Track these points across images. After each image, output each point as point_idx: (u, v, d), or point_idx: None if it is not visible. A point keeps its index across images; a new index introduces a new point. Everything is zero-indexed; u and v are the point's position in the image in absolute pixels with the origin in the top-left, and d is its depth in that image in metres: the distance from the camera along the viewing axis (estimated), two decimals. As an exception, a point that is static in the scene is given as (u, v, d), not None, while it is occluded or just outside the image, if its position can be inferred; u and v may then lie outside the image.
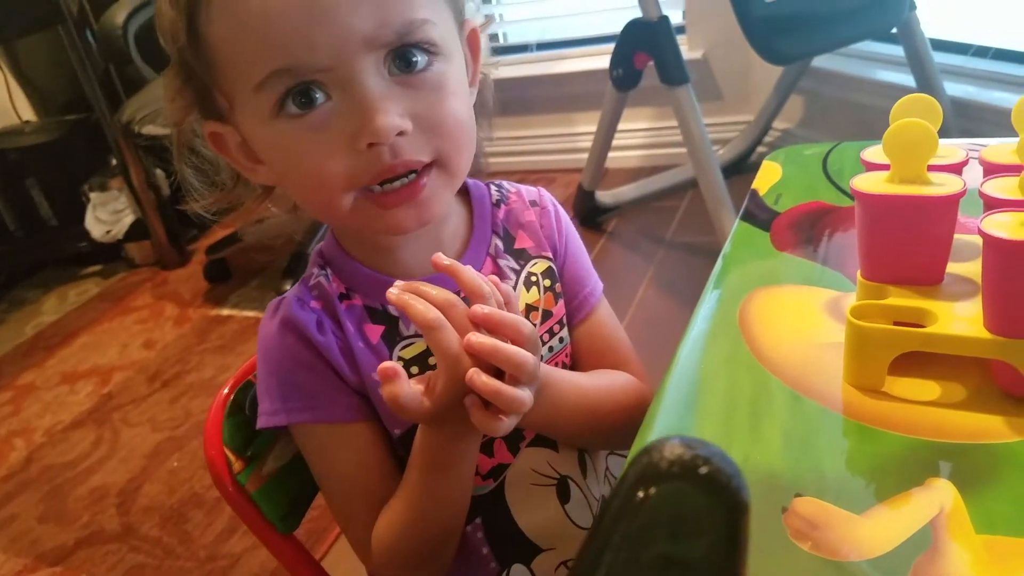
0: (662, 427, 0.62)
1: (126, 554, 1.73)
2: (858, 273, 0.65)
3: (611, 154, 2.64)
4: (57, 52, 2.76)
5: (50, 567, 1.74)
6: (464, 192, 0.80)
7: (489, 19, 0.86)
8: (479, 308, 0.59)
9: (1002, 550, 0.47)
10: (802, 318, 0.71)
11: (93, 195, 2.93)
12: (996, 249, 0.55)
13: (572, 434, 0.78)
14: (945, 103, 2.15)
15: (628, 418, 0.76)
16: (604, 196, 2.68)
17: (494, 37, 3.25)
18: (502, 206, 0.81)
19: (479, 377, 0.57)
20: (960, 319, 0.59)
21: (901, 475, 0.53)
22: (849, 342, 0.61)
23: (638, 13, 2.23)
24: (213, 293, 2.73)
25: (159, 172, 2.86)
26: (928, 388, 0.60)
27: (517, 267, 0.78)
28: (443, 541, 0.73)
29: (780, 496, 0.53)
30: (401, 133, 0.62)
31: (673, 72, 2.16)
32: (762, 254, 0.82)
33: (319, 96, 0.62)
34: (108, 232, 2.93)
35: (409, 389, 0.59)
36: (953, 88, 2.17)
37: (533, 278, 0.78)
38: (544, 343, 0.78)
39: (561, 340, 0.80)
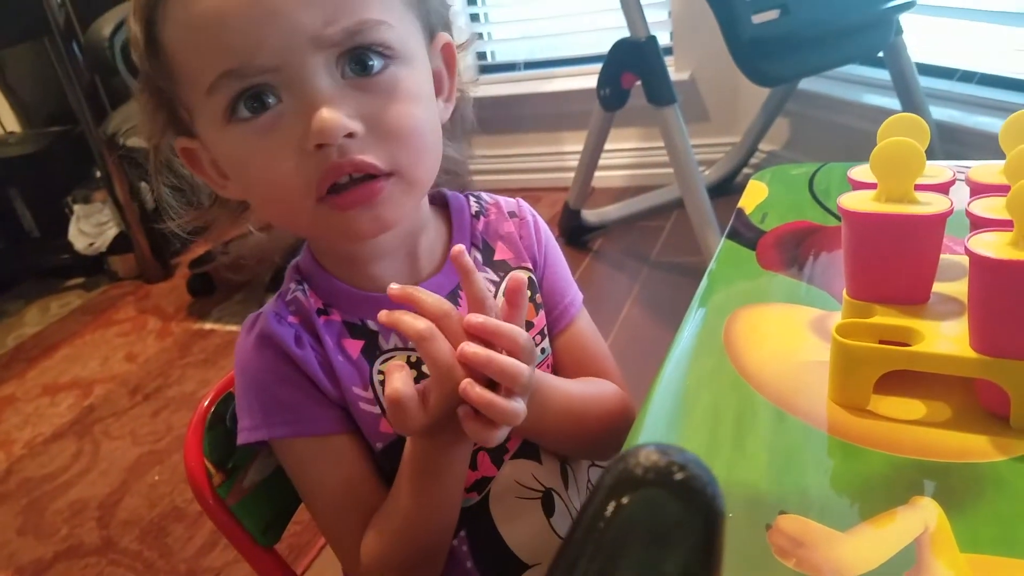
0: (646, 442, 0.61)
1: (105, 567, 1.71)
2: (844, 291, 0.65)
3: (597, 173, 2.65)
4: (43, 63, 2.76)
5: (28, 581, 1.72)
6: (443, 204, 0.80)
7: (472, 37, 0.85)
8: (474, 317, 0.58)
9: (986, 569, 0.47)
10: (787, 336, 0.70)
11: (77, 207, 2.91)
12: (982, 268, 0.55)
13: (557, 439, 0.78)
14: (931, 127, 2.16)
15: (612, 426, 0.75)
16: (590, 215, 2.68)
17: (482, 55, 3.26)
18: (481, 218, 0.80)
19: (473, 389, 0.56)
20: (946, 338, 0.59)
21: (885, 494, 0.53)
22: (834, 360, 0.61)
23: (626, 33, 2.24)
24: (196, 307, 2.72)
25: (143, 185, 2.85)
26: (913, 407, 0.60)
27: (497, 279, 0.78)
28: (433, 550, 0.72)
29: (764, 513, 0.53)
30: (351, 135, 0.61)
31: (660, 92, 2.17)
32: (748, 272, 0.82)
33: (271, 99, 0.61)
34: (91, 244, 2.92)
35: (411, 388, 0.58)
36: (939, 112, 2.19)
37: None
38: None
39: (543, 351, 0.80)
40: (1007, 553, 0.48)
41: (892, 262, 0.62)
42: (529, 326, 0.79)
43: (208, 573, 1.65)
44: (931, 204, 0.61)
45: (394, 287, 0.58)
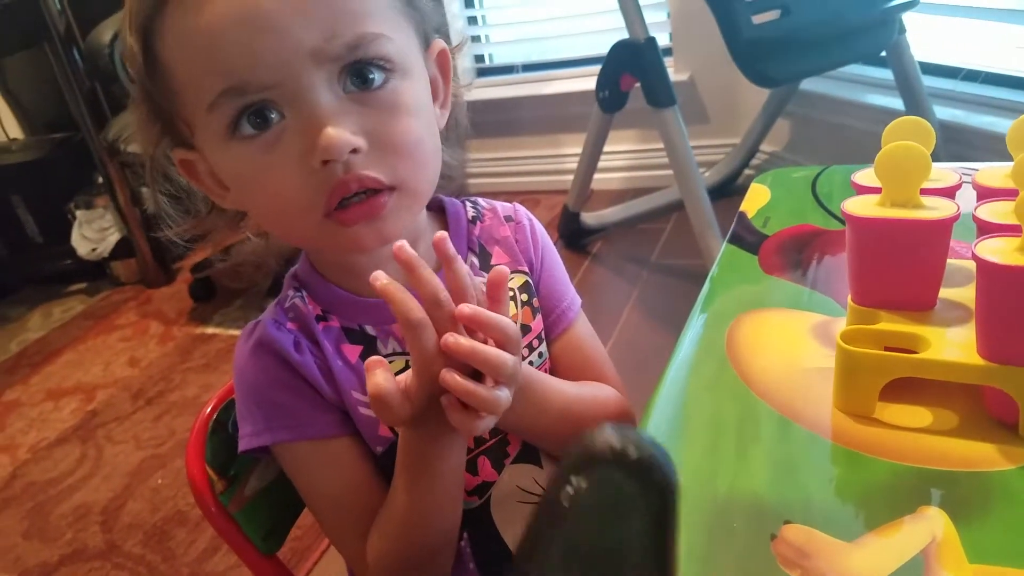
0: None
1: (110, 571, 1.71)
2: (848, 298, 0.65)
3: (596, 176, 2.65)
4: (43, 70, 2.76)
5: (33, 584, 1.72)
6: (440, 210, 0.80)
7: (464, 40, 0.85)
8: (465, 307, 0.57)
9: (996, 581, 0.46)
10: (790, 342, 0.70)
11: (79, 213, 2.91)
12: (990, 274, 0.54)
13: (556, 442, 0.77)
14: (934, 127, 2.14)
15: None
16: (589, 218, 2.68)
17: (480, 58, 3.26)
18: (477, 223, 0.80)
19: (453, 378, 0.56)
20: (952, 345, 0.58)
21: (892, 503, 0.53)
22: (839, 367, 0.60)
23: (625, 35, 2.23)
24: (198, 311, 2.72)
25: (145, 191, 2.85)
26: (919, 415, 0.59)
27: None
28: (436, 549, 0.71)
29: (768, 523, 0.52)
30: (355, 151, 0.61)
31: (660, 94, 2.16)
32: (750, 277, 0.81)
33: (273, 116, 0.61)
34: (93, 250, 2.92)
35: (392, 382, 0.58)
36: (942, 112, 2.18)
37: (510, 293, 0.78)
38: (523, 358, 0.77)
39: (540, 355, 0.80)
40: (1017, 564, 0.47)
41: (897, 268, 0.61)
42: (526, 330, 0.78)
43: (211, 578, 1.65)
44: (937, 209, 0.61)
45: (382, 278, 0.56)
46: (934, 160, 0.62)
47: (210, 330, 2.58)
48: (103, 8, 2.30)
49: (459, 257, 0.59)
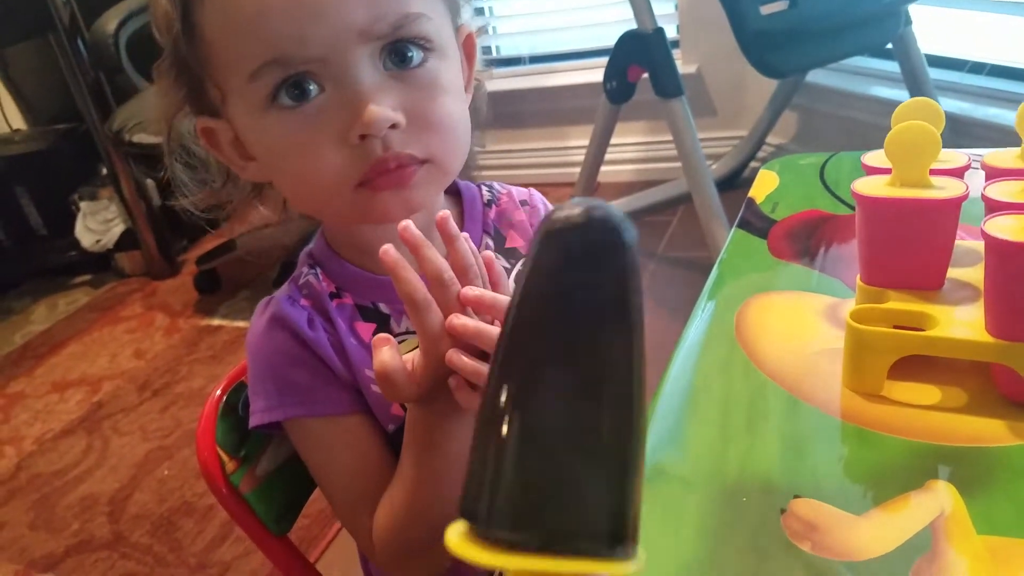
0: (658, 432, 0.61)
1: (117, 561, 1.72)
2: (857, 277, 0.65)
3: (603, 168, 2.64)
4: (47, 61, 2.76)
5: (41, 574, 1.73)
6: (455, 193, 0.80)
7: (484, 25, 0.86)
8: (470, 290, 0.57)
9: (1003, 551, 0.47)
10: (799, 324, 0.70)
11: (83, 204, 2.92)
12: (999, 251, 0.54)
13: None
14: (940, 119, 2.15)
15: None
16: (597, 210, 2.67)
17: (487, 50, 3.25)
18: (493, 206, 0.81)
19: (458, 358, 0.56)
20: (961, 323, 0.59)
21: (900, 479, 0.53)
22: (848, 346, 0.61)
23: (633, 26, 2.23)
24: (203, 303, 2.72)
25: (149, 182, 2.86)
26: (928, 392, 0.60)
27: (508, 266, 0.78)
28: (442, 526, 0.71)
29: (778, 498, 0.52)
30: (394, 126, 0.62)
31: (668, 84, 2.16)
32: (759, 262, 0.81)
33: (312, 88, 0.62)
34: (98, 241, 2.92)
35: (398, 360, 0.58)
36: (948, 104, 2.17)
37: None
38: None
39: None
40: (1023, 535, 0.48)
41: (906, 247, 0.62)
42: None
43: (218, 567, 1.65)
44: (946, 188, 0.61)
45: (390, 251, 0.57)
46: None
47: (216, 322, 2.59)
48: (107, -3, 2.30)
49: (462, 237, 0.59)
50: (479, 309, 0.58)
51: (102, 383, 2.38)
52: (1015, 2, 2.19)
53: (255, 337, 0.73)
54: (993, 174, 0.66)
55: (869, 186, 0.63)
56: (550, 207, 0.84)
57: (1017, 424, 0.56)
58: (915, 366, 0.60)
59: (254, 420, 0.73)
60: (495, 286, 0.60)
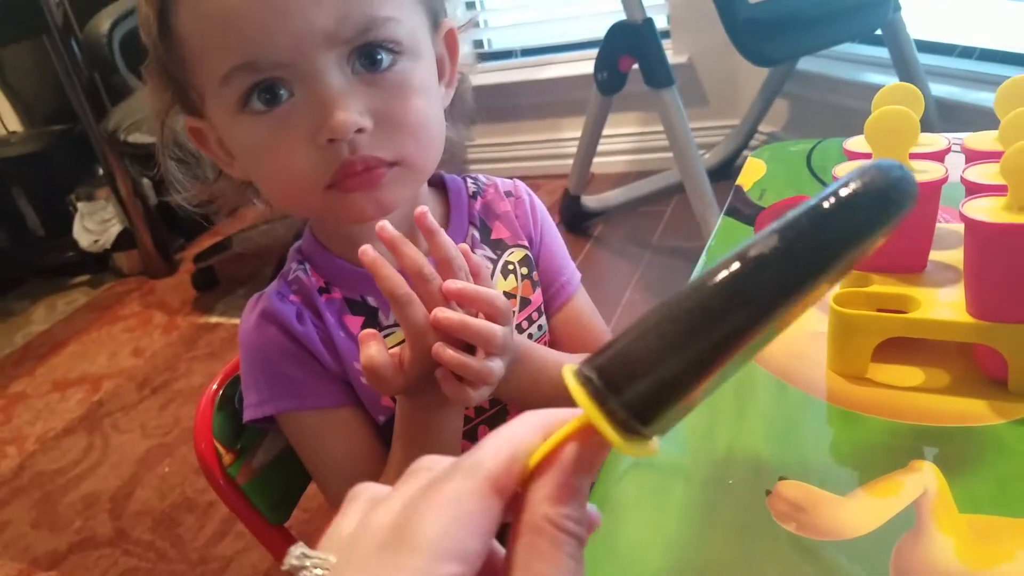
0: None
1: (119, 558, 1.73)
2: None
3: (597, 159, 2.65)
4: (42, 61, 2.76)
5: (44, 571, 1.74)
6: (441, 186, 0.81)
7: (471, 20, 0.87)
8: (452, 283, 0.59)
9: (985, 529, 0.48)
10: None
11: (80, 205, 2.92)
12: (977, 233, 0.55)
13: None
14: (930, 104, 2.15)
15: None
16: (590, 201, 2.68)
17: (479, 43, 3.26)
18: (478, 198, 0.82)
19: (445, 351, 0.58)
20: (943, 305, 0.60)
21: (885, 459, 0.54)
22: (832, 329, 0.62)
23: (623, 17, 2.23)
24: (201, 301, 2.73)
25: (146, 181, 2.86)
26: (911, 374, 0.61)
27: (494, 256, 0.79)
28: None
29: (764, 480, 0.53)
30: (361, 130, 0.63)
31: (658, 74, 2.17)
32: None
33: (283, 92, 0.63)
34: (96, 242, 2.93)
35: (385, 355, 0.59)
36: (938, 89, 2.18)
37: (510, 266, 0.79)
38: (523, 330, 0.79)
39: (540, 328, 0.81)
40: (1006, 513, 0.48)
41: (888, 231, 0.62)
42: (526, 303, 0.80)
43: (219, 561, 1.66)
44: (926, 172, 0.62)
45: (369, 251, 0.58)
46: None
47: (214, 319, 2.59)
48: (100, -2, 2.30)
49: (441, 230, 0.60)
50: (462, 302, 0.59)
51: (102, 382, 2.39)
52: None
53: (246, 332, 0.74)
54: (973, 157, 0.67)
55: (849, 171, 0.63)
56: (535, 197, 0.85)
57: (999, 403, 0.56)
58: (898, 348, 0.61)
59: (247, 414, 0.74)
60: (475, 277, 0.61)
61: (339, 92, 0.62)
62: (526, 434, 0.32)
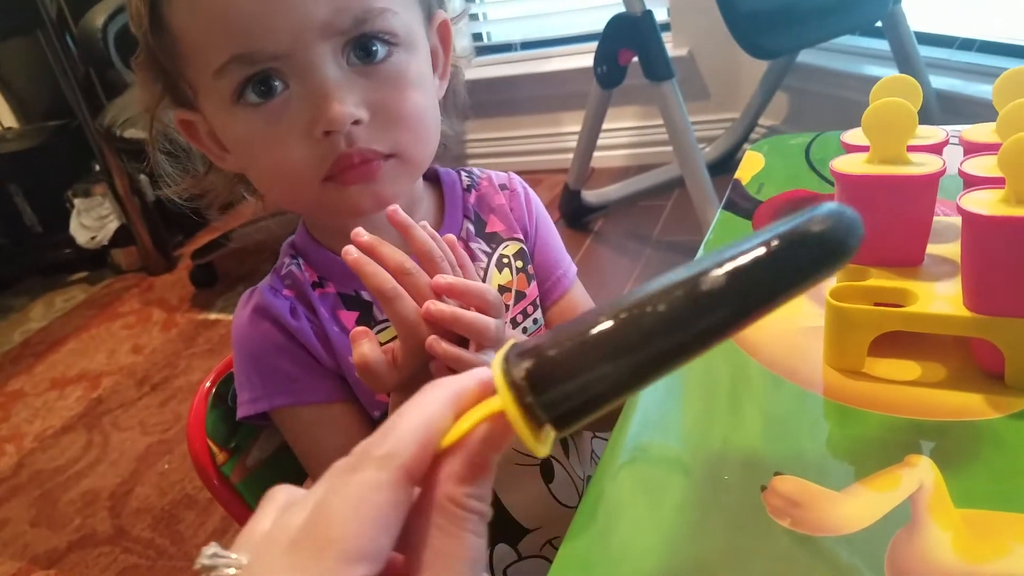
0: (642, 412, 0.61)
1: (119, 555, 1.72)
2: (838, 255, 0.65)
3: (597, 154, 2.64)
4: (37, 57, 2.74)
5: (44, 570, 1.73)
6: (435, 179, 0.81)
7: (464, 11, 0.86)
8: (442, 278, 0.58)
9: (981, 523, 0.47)
10: (783, 303, 0.70)
11: (77, 201, 2.91)
12: (975, 226, 0.55)
13: None
14: (931, 96, 2.15)
15: None
16: (590, 196, 2.68)
17: (478, 36, 3.25)
18: (472, 191, 0.81)
19: (438, 345, 0.57)
20: (940, 298, 0.59)
21: (882, 454, 0.53)
22: (829, 323, 0.61)
23: (622, 10, 2.22)
24: (200, 298, 2.73)
25: (143, 177, 2.85)
26: (908, 368, 0.60)
27: (489, 250, 0.79)
28: None
29: (759, 475, 0.53)
30: (357, 122, 0.63)
31: (658, 67, 2.16)
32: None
33: (278, 84, 0.63)
34: (93, 238, 2.92)
35: (378, 352, 0.59)
36: (939, 81, 2.17)
37: (505, 260, 0.79)
38: (518, 324, 0.79)
39: (535, 321, 0.81)
40: (1002, 507, 0.48)
41: (886, 224, 0.62)
42: (522, 296, 0.79)
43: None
44: (924, 165, 0.61)
45: (352, 252, 0.57)
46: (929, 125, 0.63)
47: (213, 316, 2.59)
48: (94, -8, 2.29)
49: (416, 225, 0.60)
50: (453, 296, 0.59)
51: (101, 379, 2.38)
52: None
53: (240, 328, 0.74)
54: (971, 149, 0.66)
55: (847, 164, 0.63)
56: (530, 191, 0.85)
57: (996, 397, 0.56)
58: (896, 342, 0.60)
59: (241, 411, 0.73)
60: (461, 267, 0.61)
61: (335, 84, 0.62)
62: (438, 414, 0.33)
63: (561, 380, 0.31)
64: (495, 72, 3.06)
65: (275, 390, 0.72)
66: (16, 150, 2.94)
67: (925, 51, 2.18)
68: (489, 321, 0.59)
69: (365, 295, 0.74)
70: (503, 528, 0.78)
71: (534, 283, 0.81)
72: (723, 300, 0.30)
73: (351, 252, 0.57)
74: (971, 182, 0.60)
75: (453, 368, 0.59)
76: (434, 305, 0.57)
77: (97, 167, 2.87)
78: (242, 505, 0.77)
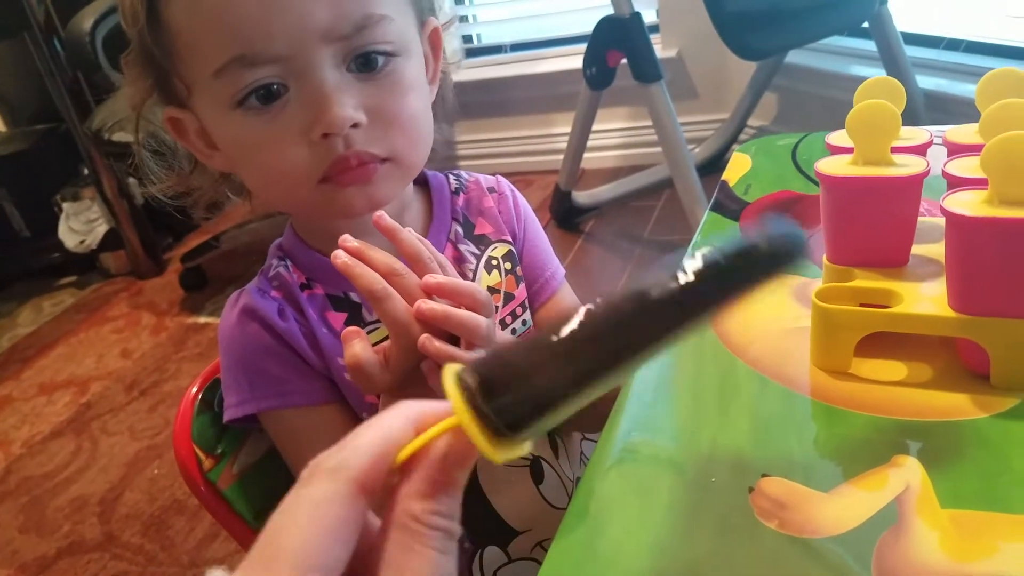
0: (631, 414, 0.61)
1: (108, 562, 1.72)
2: (823, 256, 0.66)
3: (588, 155, 2.64)
4: (24, 61, 2.73)
5: (32, 577, 1.73)
6: (423, 183, 0.81)
7: (454, 17, 0.87)
8: (431, 278, 0.59)
9: (967, 524, 0.47)
10: (769, 304, 0.71)
11: (65, 205, 2.90)
12: (958, 227, 0.55)
13: None
14: (917, 96, 2.16)
15: None
16: (581, 197, 2.68)
17: (468, 38, 3.25)
18: (461, 194, 0.82)
19: (431, 343, 0.57)
20: (925, 299, 0.59)
21: (869, 454, 0.53)
22: (815, 325, 0.61)
23: (611, 11, 2.23)
24: (189, 301, 2.72)
25: (132, 181, 2.84)
26: (894, 369, 0.60)
27: (477, 252, 0.79)
28: None
29: (747, 477, 0.53)
30: (355, 125, 0.63)
31: (646, 69, 2.16)
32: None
33: (276, 87, 0.63)
34: (82, 242, 2.91)
35: (370, 352, 0.59)
36: (925, 81, 2.19)
37: (494, 262, 0.79)
38: (507, 325, 0.79)
39: (524, 323, 0.81)
40: (988, 507, 0.48)
41: (870, 225, 0.62)
42: (510, 298, 0.79)
43: (210, 564, 1.65)
44: (908, 166, 0.61)
45: (341, 257, 0.58)
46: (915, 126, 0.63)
47: (202, 319, 2.58)
48: (82, -4, 2.28)
49: (401, 228, 0.61)
50: (443, 295, 0.59)
51: (90, 384, 2.37)
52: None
53: (227, 330, 0.74)
54: (954, 150, 0.67)
55: (832, 165, 0.63)
56: (518, 193, 0.85)
57: (981, 397, 0.56)
58: (882, 342, 0.60)
59: (228, 414, 0.73)
60: (443, 270, 0.62)
61: (334, 87, 0.63)
62: (397, 428, 0.33)
63: (512, 384, 0.31)
64: (485, 74, 3.07)
65: (263, 393, 0.72)
66: (4, 154, 2.93)
67: (912, 51, 2.19)
68: (480, 319, 0.59)
69: (354, 296, 0.74)
70: (493, 530, 0.78)
71: (523, 285, 0.81)
72: (668, 309, 0.31)
73: (340, 256, 0.58)
74: (955, 183, 0.60)
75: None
76: (425, 304, 0.58)
77: (85, 171, 2.86)
78: (229, 512, 0.77)
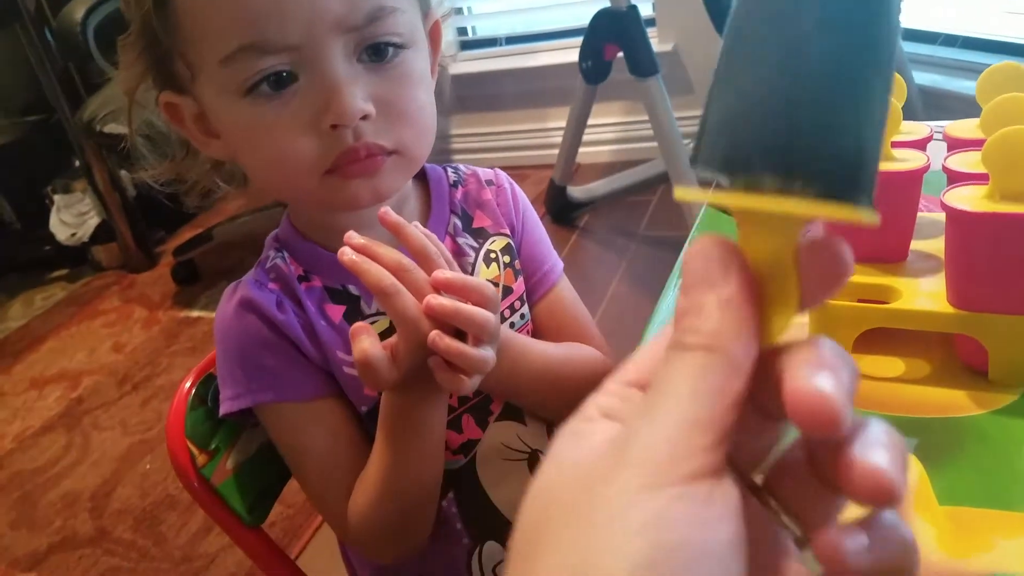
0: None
1: (100, 557, 1.71)
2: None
3: (583, 149, 2.64)
4: (15, 51, 2.71)
5: (24, 572, 1.72)
6: (422, 176, 0.81)
7: (451, 11, 0.87)
8: (441, 274, 0.59)
9: (965, 520, 0.47)
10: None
11: (57, 197, 2.89)
12: (958, 222, 0.55)
13: (536, 400, 0.79)
14: (914, 92, 2.15)
15: (592, 388, 0.76)
16: (576, 192, 2.67)
17: (463, 31, 3.24)
18: (459, 187, 0.82)
19: (442, 340, 0.57)
20: (924, 295, 0.59)
21: (867, 451, 0.53)
22: (813, 320, 0.61)
23: (607, 4, 2.22)
24: (182, 295, 2.71)
25: (124, 173, 2.83)
26: (893, 364, 0.60)
27: (476, 245, 0.79)
28: (417, 511, 0.72)
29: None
30: (365, 117, 0.63)
31: (642, 63, 2.16)
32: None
33: (285, 74, 0.63)
34: (73, 235, 2.90)
35: (379, 348, 0.59)
36: (922, 77, 2.18)
37: (492, 255, 0.79)
38: (505, 319, 0.79)
39: (522, 316, 0.81)
40: (986, 504, 0.48)
41: (869, 220, 0.61)
42: (509, 291, 0.79)
43: (202, 559, 1.65)
44: (908, 160, 0.61)
45: (347, 254, 0.58)
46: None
47: (195, 313, 2.57)
48: (74, -14, 2.27)
49: (407, 224, 0.61)
50: (451, 291, 0.59)
51: (81, 378, 2.36)
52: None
53: (223, 322, 0.73)
54: (954, 145, 0.66)
55: None
56: (516, 186, 0.85)
57: (979, 393, 0.56)
58: (880, 338, 0.60)
59: (224, 408, 0.72)
60: (449, 265, 0.62)
61: (345, 78, 0.63)
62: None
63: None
64: (480, 67, 3.05)
65: (259, 386, 0.71)
66: (-5, 145, 2.91)
67: (908, 47, 2.19)
68: (489, 315, 0.60)
69: (352, 289, 0.74)
70: (492, 525, 0.78)
71: (521, 278, 0.81)
72: None
73: (347, 253, 0.58)
74: (955, 178, 0.60)
75: (454, 362, 0.59)
76: (435, 299, 0.58)
77: (77, 163, 2.84)
78: (223, 508, 0.77)
